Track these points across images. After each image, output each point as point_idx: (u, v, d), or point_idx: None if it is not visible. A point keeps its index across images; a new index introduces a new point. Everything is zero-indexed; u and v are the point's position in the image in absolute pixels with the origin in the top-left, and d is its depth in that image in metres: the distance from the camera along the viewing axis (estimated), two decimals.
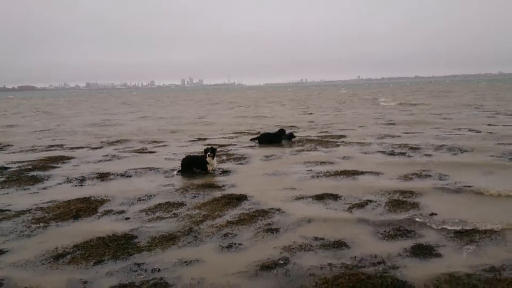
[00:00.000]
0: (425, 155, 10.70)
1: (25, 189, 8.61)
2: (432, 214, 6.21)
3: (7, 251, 5.42)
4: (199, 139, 15.76)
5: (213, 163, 9.58)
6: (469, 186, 7.56)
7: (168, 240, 5.57)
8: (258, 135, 14.29)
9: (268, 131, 15.05)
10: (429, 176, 8.49)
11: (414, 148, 11.65)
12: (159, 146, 14.12)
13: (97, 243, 5.53)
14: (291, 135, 13.84)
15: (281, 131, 14.02)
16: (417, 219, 6.00)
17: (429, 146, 11.87)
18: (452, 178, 8.26)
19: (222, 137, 16.11)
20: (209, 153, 9.44)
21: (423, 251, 4.94)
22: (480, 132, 14.78)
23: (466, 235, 5.36)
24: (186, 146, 14.15)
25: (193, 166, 9.64)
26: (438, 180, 8.13)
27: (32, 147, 15.04)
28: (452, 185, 7.70)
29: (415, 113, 24.30)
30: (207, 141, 14.89)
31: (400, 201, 6.89)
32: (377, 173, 8.88)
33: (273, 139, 13.66)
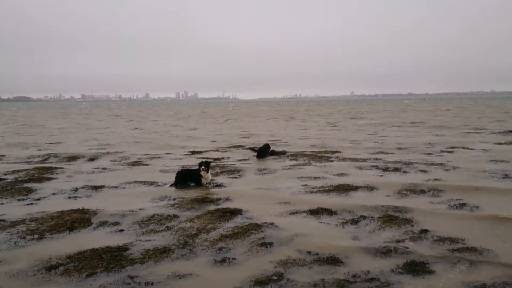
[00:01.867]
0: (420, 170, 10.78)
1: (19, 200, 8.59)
2: (423, 230, 6.25)
3: (1, 261, 5.39)
4: (194, 152, 15.76)
5: (208, 177, 9.60)
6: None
7: (161, 252, 5.56)
8: (257, 148, 14.33)
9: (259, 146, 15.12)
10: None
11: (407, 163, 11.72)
12: (153, 159, 14.11)
13: (90, 254, 5.51)
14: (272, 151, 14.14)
15: (266, 145, 14.26)
16: (410, 235, 6.05)
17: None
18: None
19: (216, 151, 16.13)
20: (203, 167, 9.47)
21: (416, 268, 4.97)
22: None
23: (459, 252, 5.40)
24: (180, 159, 14.15)
25: (188, 179, 9.66)
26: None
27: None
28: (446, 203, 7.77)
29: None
30: (202, 155, 14.89)
31: (393, 216, 6.93)
32: (371, 188, 8.93)
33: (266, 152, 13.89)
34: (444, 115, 41.51)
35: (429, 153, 14.08)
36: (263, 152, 13.86)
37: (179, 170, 10.21)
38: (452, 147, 15.41)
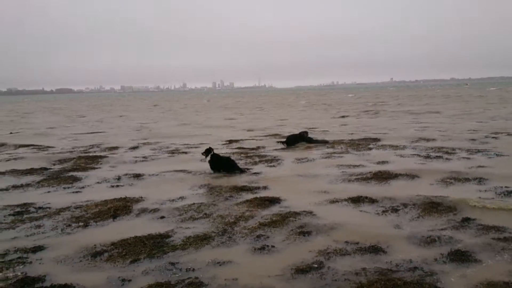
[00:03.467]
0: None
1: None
2: (465, 219, 6.05)
3: (48, 247, 5.62)
4: (231, 141, 15.83)
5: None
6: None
7: (202, 240, 5.64)
8: (285, 139, 14.25)
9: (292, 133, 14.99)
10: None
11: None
12: (192, 147, 14.28)
13: (134, 241, 5.66)
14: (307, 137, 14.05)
15: (304, 133, 14.23)
16: (452, 224, 5.88)
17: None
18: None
19: (253, 139, 16.14)
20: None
21: (461, 257, 4.82)
22: None
23: (504, 241, 5.19)
24: (216, 149, 14.21)
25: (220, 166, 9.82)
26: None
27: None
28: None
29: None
30: (238, 144, 14.95)
31: (436, 203, 6.74)
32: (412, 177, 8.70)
33: (297, 140, 13.76)
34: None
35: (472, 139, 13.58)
36: (293, 140, 13.73)
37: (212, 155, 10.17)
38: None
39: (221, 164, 9.83)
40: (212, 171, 9.87)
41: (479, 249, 5.02)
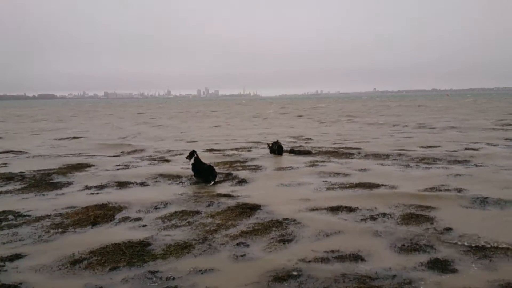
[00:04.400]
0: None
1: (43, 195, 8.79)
2: (446, 228, 6.14)
3: (25, 255, 5.52)
4: (212, 150, 15.80)
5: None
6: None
7: (183, 248, 5.61)
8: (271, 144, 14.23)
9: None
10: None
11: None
12: (175, 155, 14.21)
13: (113, 249, 5.60)
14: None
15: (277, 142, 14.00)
16: (431, 232, 5.96)
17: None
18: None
19: (236, 148, 16.14)
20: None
21: (439, 266, 4.89)
22: None
23: (480, 251, 5.29)
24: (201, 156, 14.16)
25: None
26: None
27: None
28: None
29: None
30: (221, 152, 14.93)
31: (414, 214, 6.83)
32: (393, 186, 8.81)
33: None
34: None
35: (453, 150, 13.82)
36: (277, 149, 13.65)
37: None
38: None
39: (202, 171, 9.74)
40: (194, 177, 9.83)
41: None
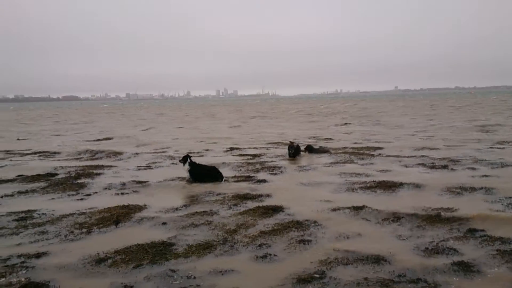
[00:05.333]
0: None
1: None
2: (472, 230, 6.02)
3: (51, 253, 5.64)
4: (232, 148, 15.85)
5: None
6: None
7: (204, 248, 5.65)
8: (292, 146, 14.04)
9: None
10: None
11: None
12: (195, 156, 14.30)
13: (136, 248, 5.68)
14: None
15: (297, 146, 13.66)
16: (456, 234, 5.86)
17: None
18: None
19: (255, 147, 16.14)
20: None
21: (464, 268, 4.80)
22: None
23: (509, 254, 5.17)
24: (220, 156, 14.25)
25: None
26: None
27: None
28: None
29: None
30: (241, 151, 14.95)
31: (438, 215, 6.72)
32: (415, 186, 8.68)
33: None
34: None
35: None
36: (295, 151, 13.46)
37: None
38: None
39: (205, 172, 9.77)
40: (191, 180, 9.76)
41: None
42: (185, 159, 9.85)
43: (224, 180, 9.68)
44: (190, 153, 11.94)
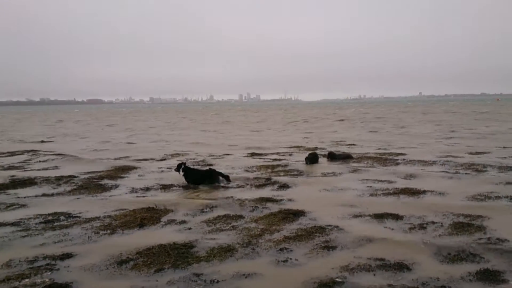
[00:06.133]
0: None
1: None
2: (499, 239, 5.87)
3: (76, 255, 5.75)
4: (254, 154, 15.87)
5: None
6: None
7: (226, 251, 5.67)
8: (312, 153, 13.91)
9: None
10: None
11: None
12: (217, 159, 14.40)
13: (158, 251, 5.74)
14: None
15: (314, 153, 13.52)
16: (483, 242, 5.72)
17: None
18: None
19: (277, 152, 16.14)
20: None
21: (489, 276, 4.69)
22: None
23: None
24: (239, 160, 14.28)
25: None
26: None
27: None
28: None
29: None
30: (262, 157, 14.97)
31: (464, 222, 6.58)
32: (440, 193, 8.52)
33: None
34: None
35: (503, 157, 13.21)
36: (311, 160, 13.25)
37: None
38: None
39: (200, 177, 10.05)
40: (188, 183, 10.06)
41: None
42: (179, 167, 10.17)
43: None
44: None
